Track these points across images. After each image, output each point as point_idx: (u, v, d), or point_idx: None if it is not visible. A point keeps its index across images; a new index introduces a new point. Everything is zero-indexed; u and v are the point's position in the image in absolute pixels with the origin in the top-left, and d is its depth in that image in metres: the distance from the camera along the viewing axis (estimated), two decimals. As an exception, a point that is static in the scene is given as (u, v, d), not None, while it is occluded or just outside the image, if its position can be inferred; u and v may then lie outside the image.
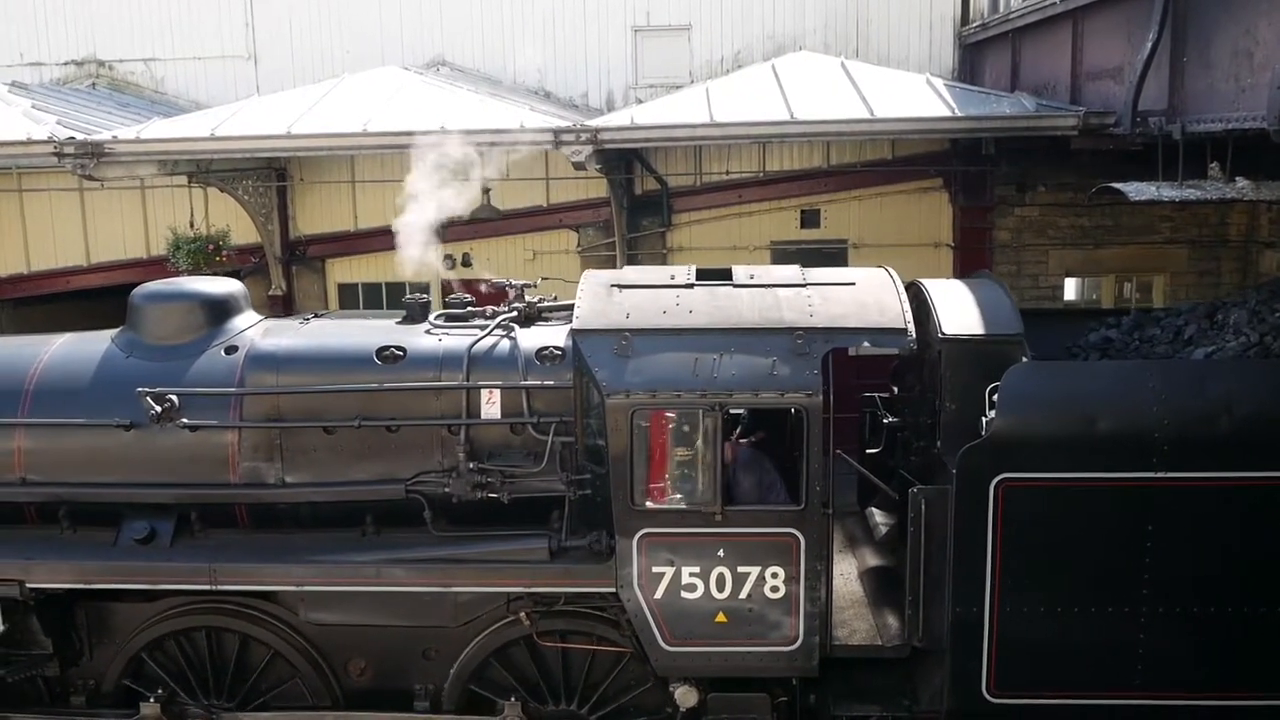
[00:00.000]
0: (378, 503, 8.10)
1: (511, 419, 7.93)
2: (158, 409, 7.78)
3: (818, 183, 15.45)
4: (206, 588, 8.08)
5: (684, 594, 7.73)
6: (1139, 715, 7.73)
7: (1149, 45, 9.84)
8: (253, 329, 8.65)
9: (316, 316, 9.20)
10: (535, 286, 9.07)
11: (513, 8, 16.56)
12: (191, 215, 15.60)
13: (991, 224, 15.13)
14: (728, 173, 15.40)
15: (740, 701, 8.00)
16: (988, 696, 7.68)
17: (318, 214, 16.18)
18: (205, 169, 14.58)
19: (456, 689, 8.32)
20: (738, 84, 14.69)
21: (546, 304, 8.74)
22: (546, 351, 8.06)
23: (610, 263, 15.30)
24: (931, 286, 8.28)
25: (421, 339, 8.34)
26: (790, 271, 8.50)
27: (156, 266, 15.94)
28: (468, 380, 7.99)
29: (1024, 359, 7.57)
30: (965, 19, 16.24)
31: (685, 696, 8.00)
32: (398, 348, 8.20)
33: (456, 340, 8.25)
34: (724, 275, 8.46)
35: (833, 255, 15.25)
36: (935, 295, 8.11)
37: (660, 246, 15.66)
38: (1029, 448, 7.31)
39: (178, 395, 7.92)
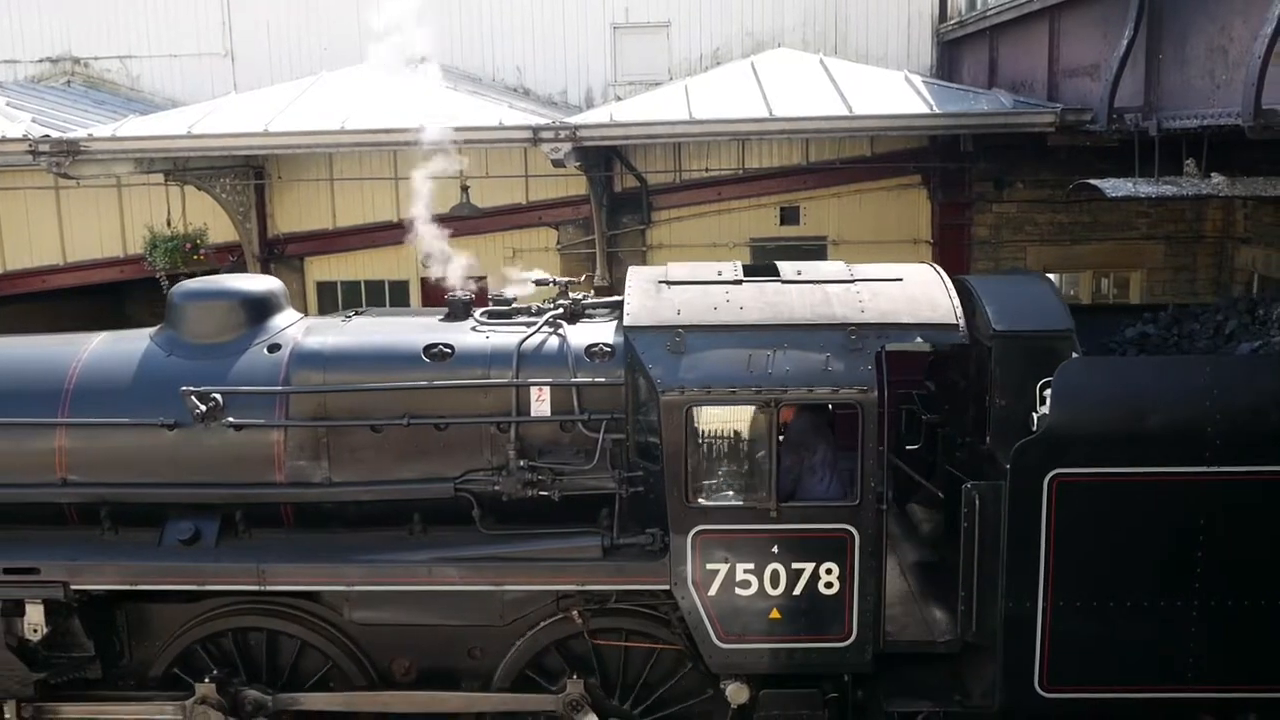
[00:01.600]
0: (424, 501, 8.04)
1: (561, 416, 7.89)
2: (202, 408, 7.71)
3: (797, 180, 15.47)
4: (254, 588, 8.03)
5: (738, 591, 7.71)
6: (1189, 709, 7.80)
7: (1125, 42, 9.89)
8: (294, 327, 8.56)
9: (358, 314, 9.09)
10: (579, 283, 9.05)
11: (492, 5, 16.55)
12: (169, 214, 15.51)
13: (970, 220, 15.19)
14: (707, 170, 15.42)
15: (792, 698, 7.97)
16: (1040, 691, 7.68)
17: (296, 212, 16.10)
18: (182, 167, 14.49)
19: (503, 687, 8.29)
20: (717, 81, 14.72)
21: (590, 300, 8.70)
22: (596, 348, 8.02)
23: (590, 261, 15.32)
24: (977, 282, 8.25)
25: (469, 336, 8.27)
26: (837, 267, 8.48)
27: (133, 265, 15.87)
28: (517, 378, 7.94)
29: (1074, 354, 7.54)
30: (943, 16, 16.32)
31: (737, 693, 7.96)
32: (446, 345, 8.13)
33: (505, 337, 8.19)
34: (769, 271, 8.43)
35: (812, 252, 15.27)
36: (982, 291, 8.05)
37: (640, 244, 15.66)
38: (1083, 443, 7.32)
39: (221, 394, 7.84)
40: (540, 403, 7.90)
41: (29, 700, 8.17)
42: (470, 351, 8.11)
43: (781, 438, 7.75)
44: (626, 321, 7.85)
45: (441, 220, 14.80)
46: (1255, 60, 7.60)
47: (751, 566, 7.67)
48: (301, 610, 8.33)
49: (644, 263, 15.48)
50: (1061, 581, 7.46)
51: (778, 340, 7.63)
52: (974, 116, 12.91)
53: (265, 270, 15.72)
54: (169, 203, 15.63)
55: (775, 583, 7.69)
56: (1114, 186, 9.63)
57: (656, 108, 13.66)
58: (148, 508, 8.12)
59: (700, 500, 7.65)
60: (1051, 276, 15.44)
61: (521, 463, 7.80)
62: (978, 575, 7.60)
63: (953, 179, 14.95)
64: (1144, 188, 9.54)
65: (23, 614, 8.04)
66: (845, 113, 12.79)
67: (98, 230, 16.23)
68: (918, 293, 8.02)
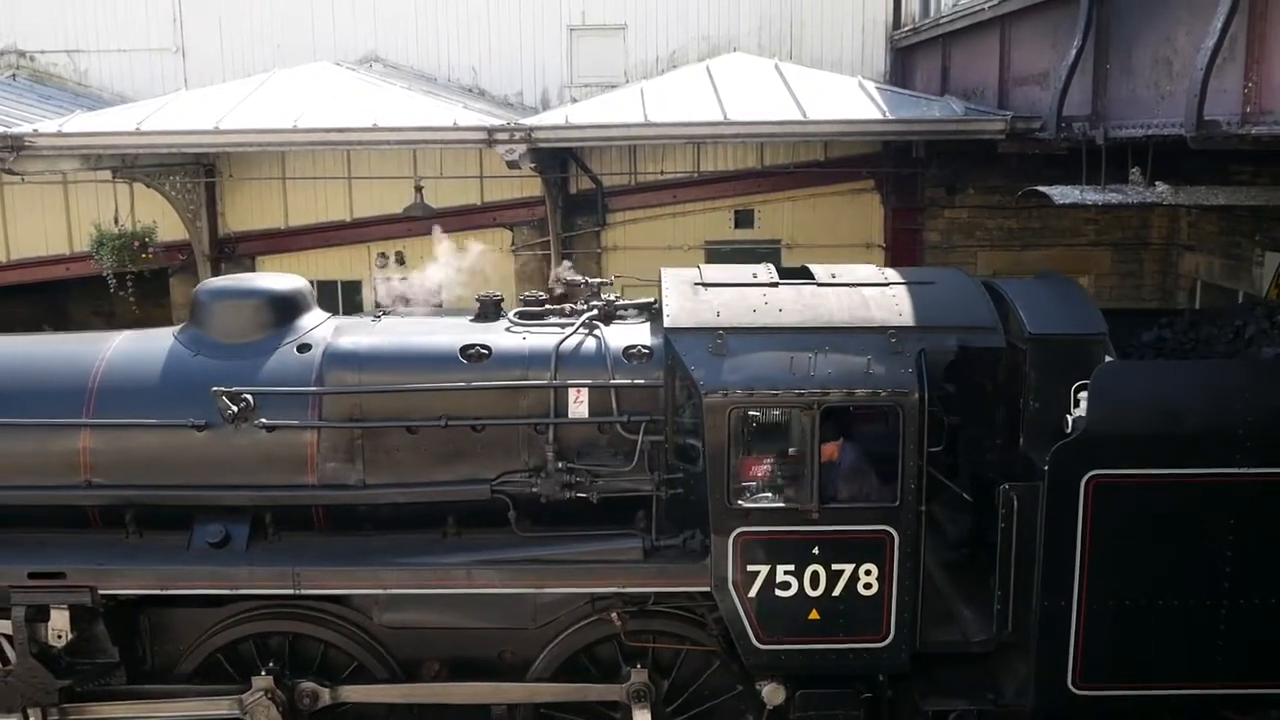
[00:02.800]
0: (458, 504, 7.96)
1: (602, 418, 7.84)
2: (233, 409, 7.59)
3: (752, 183, 15.57)
4: (288, 592, 7.89)
5: (778, 592, 7.69)
6: (1218, 705, 7.89)
7: (1073, 52, 10.03)
8: (323, 326, 8.43)
9: (386, 314, 8.95)
10: (610, 284, 9.02)
11: (447, 4, 16.49)
12: (116, 211, 15.33)
13: (922, 225, 15.33)
14: (662, 173, 15.47)
15: (828, 698, 7.94)
16: (1072, 689, 7.70)
17: (248, 211, 15.98)
18: (131, 164, 14.30)
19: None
20: (672, 84, 14.75)
21: (622, 302, 8.62)
22: (634, 350, 7.98)
23: (545, 262, 15.30)
24: (1007, 285, 8.29)
25: (505, 337, 8.18)
26: (869, 270, 8.50)
27: (80, 263, 15.65)
28: (555, 379, 7.87)
29: (1108, 358, 7.59)
30: (897, 23, 16.45)
31: (773, 694, 7.93)
32: (483, 346, 8.03)
33: (542, 339, 8.12)
34: (801, 274, 8.42)
35: (766, 255, 15.32)
36: (1013, 294, 8.08)
37: (595, 246, 15.68)
38: (1119, 444, 7.35)
39: (252, 394, 7.70)
40: (578, 404, 7.86)
41: (54, 706, 7.98)
42: (508, 352, 8.04)
43: (835, 441, 7.77)
44: (667, 323, 7.80)
45: (395, 221, 14.87)
46: (1197, 72, 7.73)
47: (792, 568, 7.66)
48: (330, 614, 8.22)
49: (598, 265, 15.54)
50: (1096, 581, 7.51)
51: (818, 343, 7.63)
52: (926, 123, 13.04)
53: (215, 270, 15.58)
54: (116, 200, 15.47)
55: (815, 584, 7.69)
56: (1062, 194, 9.76)
57: (612, 110, 13.67)
58: (174, 510, 7.97)
59: (742, 502, 7.62)
60: (1001, 282, 15.66)
61: (560, 464, 7.76)
62: (1015, 575, 7.63)
63: (905, 184, 15.09)
64: (1091, 195, 9.67)
65: (46, 620, 7.85)
66: (799, 117, 12.86)
67: (42, 227, 16.01)
68: (953, 296, 8.08)
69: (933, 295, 8.08)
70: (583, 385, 7.84)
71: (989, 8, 12.56)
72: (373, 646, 8.22)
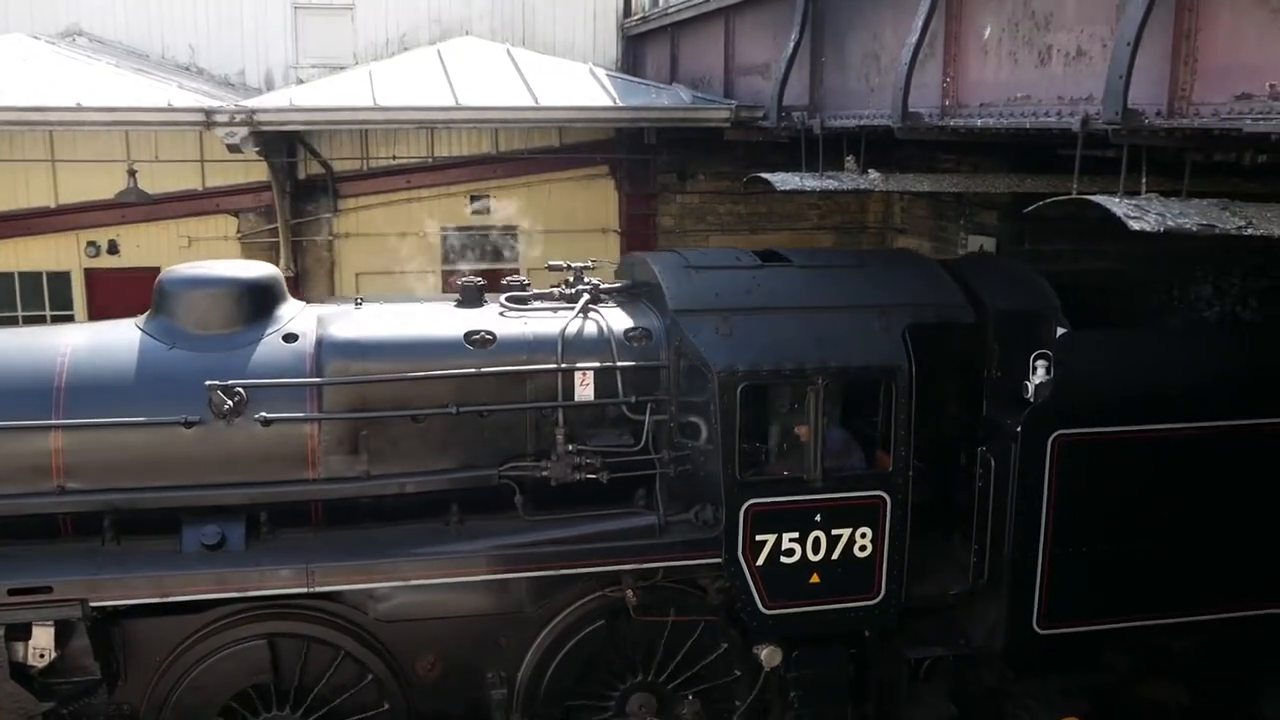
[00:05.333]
0: (462, 491, 7.88)
1: (605, 400, 7.99)
2: (229, 403, 7.28)
3: (487, 169, 15.42)
4: (301, 591, 7.54)
5: (783, 559, 8.05)
6: (1157, 634, 8.75)
7: (791, 45, 10.45)
8: (302, 316, 8.15)
9: (362, 301, 8.66)
10: (593, 268, 8.97)
11: (159, -24, 15.57)
12: None
13: (655, 210, 15.61)
14: (395, 157, 15.10)
15: (822, 656, 8.40)
16: (1036, 629, 8.38)
17: (-66, 196, 14.59)
18: None
19: (533, 672, 8.23)
20: (402, 67, 14.49)
21: (606, 286, 8.75)
22: (635, 332, 8.18)
23: (274, 250, 14.72)
24: (959, 266, 8.88)
25: (506, 323, 8.19)
26: (839, 254, 9.04)
27: None
28: (561, 362, 7.94)
29: (1059, 329, 8.19)
30: (628, 11, 16.70)
31: (771, 656, 8.26)
32: (487, 332, 8.01)
33: (545, 323, 8.18)
34: (773, 257, 8.84)
35: (502, 241, 15.30)
36: (968, 273, 8.73)
37: (326, 232, 15.17)
38: (1080, 406, 8.05)
39: (245, 388, 7.43)
40: (584, 387, 8.02)
41: None
42: (512, 338, 8.08)
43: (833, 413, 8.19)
44: (672, 305, 8.09)
45: (107, 207, 13.91)
46: (902, 67, 8.20)
47: (796, 535, 8.05)
48: (323, 611, 7.90)
49: (330, 253, 15.10)
50: (1059, 530, 8.24)
51: (815, 321, 8.10)
52: (655, 110, 13.31)
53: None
54: None
55: (816, 549, 8.11)
56: (783, 180, 10.15)
57: (340, 93, 13.29)
58: (157, 514, 7.49)
59: (751, 475, 7.95)
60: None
61: (570, 447, 7.84)
62: (991, 529, 8.30)
63: (638, 170, 15.34)
64: (809, 182, 10.11)
65: (25, 639, 7.22)
66: (531, 104, 12.87)
67: None
68: (921, 276, 8.70)
69: (904, 275, 8.69)
70: (590, 368, 8.01)
71: (713, -1, 12.95)
72: (370, 642, 8.00)
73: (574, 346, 8.08)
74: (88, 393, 7.49)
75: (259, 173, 14.59)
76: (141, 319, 8.04)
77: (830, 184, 10.05)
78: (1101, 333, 8.57)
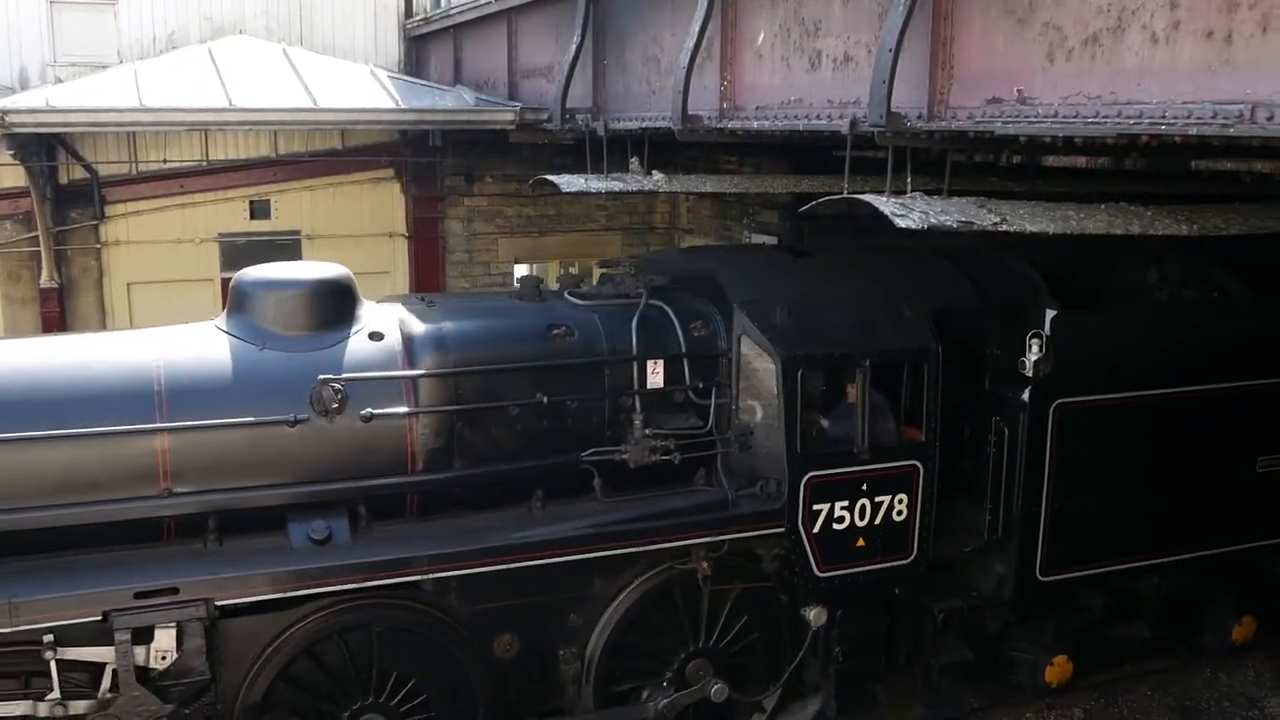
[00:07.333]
0: (545, 478, 8.25)
1: (673, 386, 8.62)
2: (337, 401, 7.57)
3: (266, 172, 14.92)
4: (416, 579, 7.80)
5: (834, 525, 8.69)
6: (1125, 577, 9.92)
7: (574, 48, 10.49)
8: (380, 313, 8.39)
9: (427, 296, 9.15)
10: (629, 267, 9.61)
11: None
12: None
13: (443, 214, 15.47)
14: (166, 161, 14.44)
15: (862, 613, 9.14)
16: (1039, 577, 9.36)
17: None
18: None
19: (604, 646, 8.63)
20: (171, 66, 13.85)
21: (658, 281, 9.18)
22: (696, 322, 8.77)
23: (35, 260, 13.87)
24: (956, 256, 9.60)
25: (580, 314, 8.69)
26: (853, 245, 9.60)
27: None
28: (635, 352, 8.51)
29: (1050, 310, 9.01)
30: (409, 12, 16.43)
31: (818, 616, 8.88)
32: (567, 325, 8.49)
33: (615, 316, 8.69)
34: (796, 252, 9.71)
35: (285, 247, 14.84)
36: (964, 261, 9.54)
37: (94, 240, 14.38)
38: (1076, 377, 9.03)
39: (344, 384, 7.69)
40: (655, 375, 8.60)
41: None
42: (591, 329, 8.57)
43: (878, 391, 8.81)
44: (735, 298, 8.73)
45: None
46: (681, 71, 8.36)
47: (846, 503, 8.71)
48: (407, 600, 8.01)
49: (98, 262, 14.33)
50: (1059, 486, 9.22)
51: (858, 309, 8.83)
52: (439, 112, 13.17)
53: None
54: None
55: (863, 515, 8.78)
56: (568, 182, 10.21)
57: (102, 93, 12.57)
58: (257, 512, 7.58)
59: (809, 450, 8.52)
60: (522, 266, 16.23)
61: (648, 431, 8.33)
62: (1004, 488, 9.20)
63: (424, 173, 15.16)
64: (595, 183, 10.20)
65: (148, 641, 7.16)
66: (310, 105, 12.53)
67: None
68: (929, 265, 9.59)
69: (921, 266, 9.55)
70: (662, 357, 8.61)
71: (495, 1, 12.88)
72: (454, 629, 8.22)
73: (645, 337, 8.64)
74: (189, 395, 7.59)
75: (15, 178, 13.69)
76: (220, 320, 8.15)
77: (615, 185, 10.17)
78: (1090, 312, 9.55)
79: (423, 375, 8.02)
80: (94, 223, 14.34)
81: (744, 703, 9.17)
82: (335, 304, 8.20)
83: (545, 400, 8.21)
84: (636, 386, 8.56)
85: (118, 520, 7.38)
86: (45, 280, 13.94)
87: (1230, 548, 10.16)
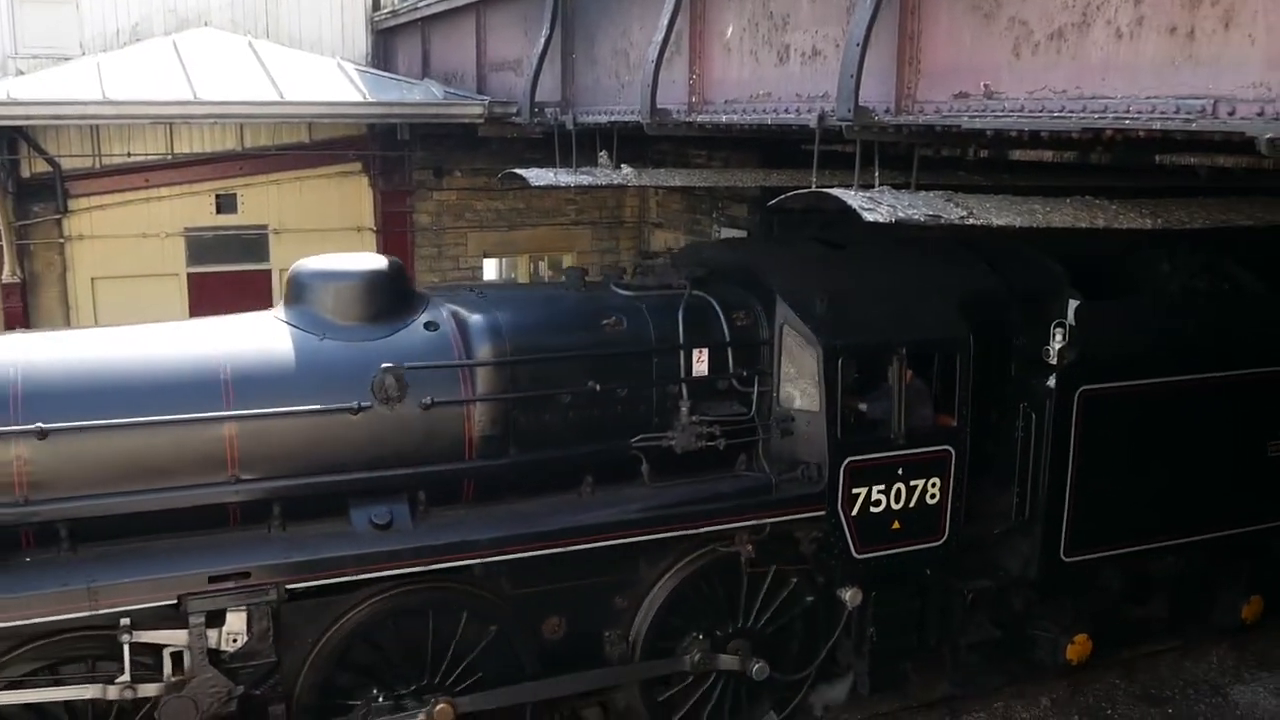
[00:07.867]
0: (594, 464, 8.38)
1: (717, 374, 8.75)
2: (399, 389, 7.70)
3: (232, 166, 14.80)
4: (469, 563, 7.93)
5: (871, 508, 8.86)
6: (1141, 559, 10.14)
7: (543, 41, 10.45)
8: (435, 304, 8.54)
9: (476, 287, 9.28)
10: (663, 259, 9.82)
11: None
12: None
13: (411, 208, 15.41)
14: (130, 154, 14.31)
15: (896, 594, 9.36)
16: (1063, 558, 9.59)
17: None
18: None
19: (648, 627, 8.75)
20: (135, 59, 13.72)
21: (698, 272, 9.27)
22: (738, 312, 8.91)
23: (-3, 254, 13.72)
24: (983, 248, 9.72)
25: (627, 304, 8.79)
26: (879, 239, 9.45)
27: None
28: (682, 341, 8.63)
29: (1073, 300, 9.14)
30: (377, 5, 16.32)
31: (854, 597, 9.08)
32: (617, 314, 8.61)
33: (662, 306, 8.79)
34: (829, 245, 9.73)
35: (252, 241, 14.74)
36: (989, 254, 9.69)
37: (57, 235, 14.22)
38: (1099, 365, 9.25)
39: (404, 372, 7.78)
40: (700, 363, 8.72)
41: (230, 716, 7.47)
42: (639, 319, 8.69)
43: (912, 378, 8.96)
44: (777, 288, 8.88)
45: None
46: (649, 65, 8.34)
47: (883, 487, 8.88)
48: (460, 585, 8.13)
49: (61, 256, 14.18)
50: (1083, 470, 9.45)
51: (894, 299, 8.97)
52: (407, 106, 13.12)
53: None
54: None
55: (898, 498, 8.96)
56: (537, 176, 10.20)
57: (64, 86, 12.44)
58: (319, 498, 7.72)
59: (849, 436, 8.69)
60: (492, 261, 16.19)
61: (694, 418, 8.46)
62: (1030, 472, 9.40)
63: (393, 167, 15.09)
64: (564, 177, 10.19)
65: (219, 625, 7.33)
66: (276, 98, 12.44)
67: None
68: (964, 258, 9.70)
69: (952, 257, 9.67)
70: (708, 346, 8.74)
71: (463, -7, 12.83)
72: (505, 612, 8.33)
73: (692, 326, 8.78)
74: (254, 384, 7.71)
75: (-24, 171, 13.54)
76: (279, 310, 8.31)
77: (584, 179, 10.16)
78: (1111, 303, 9.78)
79: (481, 364, 8.18)
80: (57, 217, 14.19)
81: (778, 681, 9.26)
82: (391, 294, 8.38)
83: (598, 388, 8.35)
84: (683, 374, 8.71)
85: (186, 506, 7.52)
86: (7, 275, 13.78)
87: (1242, 529, 10.45)
